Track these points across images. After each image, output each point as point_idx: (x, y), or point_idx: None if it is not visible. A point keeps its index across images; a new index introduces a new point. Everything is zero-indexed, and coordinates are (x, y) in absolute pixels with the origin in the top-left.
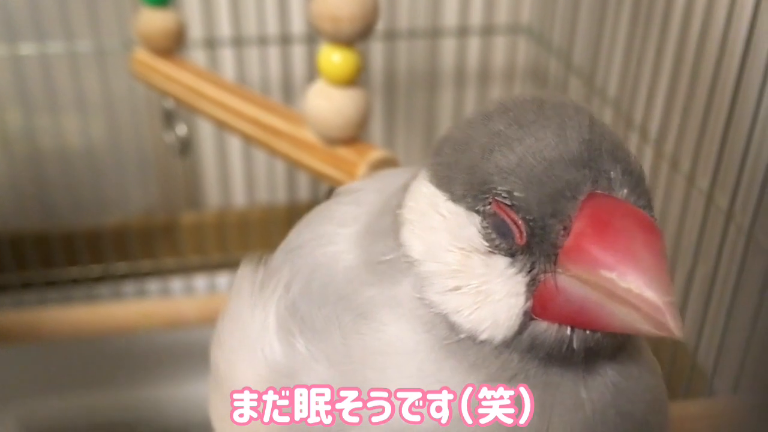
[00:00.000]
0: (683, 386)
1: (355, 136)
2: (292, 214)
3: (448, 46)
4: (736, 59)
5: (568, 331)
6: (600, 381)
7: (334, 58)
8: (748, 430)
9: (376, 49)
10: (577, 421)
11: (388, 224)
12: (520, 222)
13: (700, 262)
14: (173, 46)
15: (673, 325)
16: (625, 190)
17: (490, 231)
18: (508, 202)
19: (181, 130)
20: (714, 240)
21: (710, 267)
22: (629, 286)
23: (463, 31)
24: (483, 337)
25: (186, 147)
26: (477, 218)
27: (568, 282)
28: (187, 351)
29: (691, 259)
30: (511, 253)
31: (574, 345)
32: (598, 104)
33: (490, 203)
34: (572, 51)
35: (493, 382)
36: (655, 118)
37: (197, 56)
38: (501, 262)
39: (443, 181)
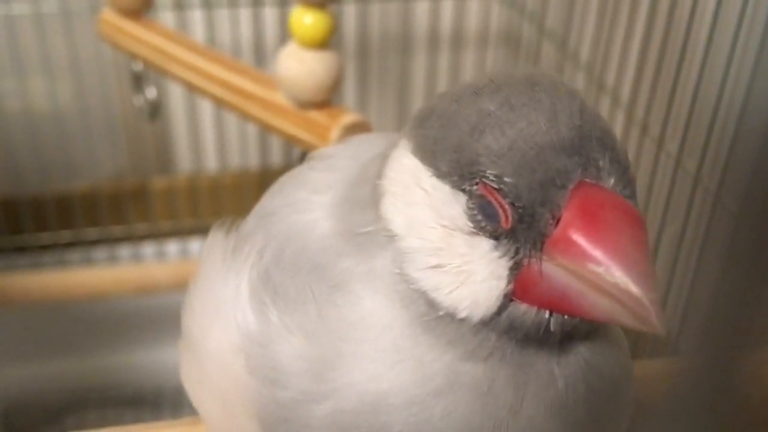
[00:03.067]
0: (649, 346)
1: (327, 99)
2: (264, 179)
3: (422, 9)
4: (707, 24)
5: (547, 314)
6: (572, 358)
7: (306, 20)
8: (693, 388)
9: (349, 11)
10: (549, 397)
11: (367, 194)
12: (507, 206)
13: (667, 224)
14: (141, 7)
15: (656, 322)
16: (613, 180)
17: (475, 212)
18: (496, 186)
19: (151, 93)
20: (682, 202)
21: (678, 229)
22: (616, 281)
23: None
24: (462, 315)
25: (156, 110)
26: (463, 198)
27: (552, 270)
28: (159, 316)
29: (659, 221)
30: (496, 236)
31: (552, 328)
32: (570, 69)
33: (476, 184)
34: (545, 15)
35: (469, 360)
36: (626, 82)
37: (166, 17)
38: (485, 244)
39: (428, 155)
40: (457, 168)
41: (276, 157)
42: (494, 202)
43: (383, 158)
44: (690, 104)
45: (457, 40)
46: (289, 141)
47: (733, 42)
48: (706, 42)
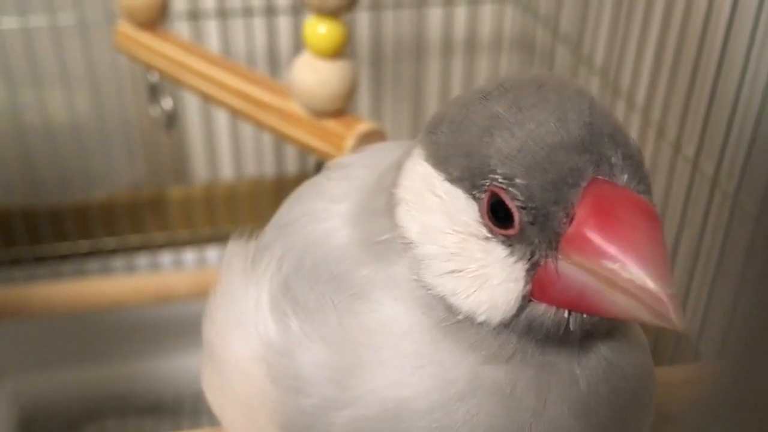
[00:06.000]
0: (670, 351)
1: (342, 108)
2: (280, 188)
3: (435, 16)
4: (722, 27)
5: (566, 314)
6: (593, 358)
7: (320, 30)
8: (730, 392)
9: (362, 19)
10: (571, 397)
11: (383, 203)
12: (517, 208)
13: (685, 229)
14: (157, 18)
15: (674, 317)
16: (626, 176)
17: (488, 217)
18: (507, 188)
19: (167, 103)
20: (699, 206)
21: (696, 233)
22: (631, 277)
23: (449, 0)
24: (481, 318)
25: (172, 121)
26: (475, 203)
27: (569, 268)
28: (177, 325)
29: (677, 225)
30: (509, 240)
31: (571, 327)
32: (584, 73)
33: (487, 188)
34: (559, 19)
35: (491, 363)
36: (641, 86)
37: (181, 28)
38: (500, 248)
39: (440, 162)
40: (468, 173)
41: (291, 166)
42: (506, 206)
43: (398, 167)
44: (707, 107)
45: (471, 45)
46: (304, 150)
47: (749, 44)
48: (722, 44)
